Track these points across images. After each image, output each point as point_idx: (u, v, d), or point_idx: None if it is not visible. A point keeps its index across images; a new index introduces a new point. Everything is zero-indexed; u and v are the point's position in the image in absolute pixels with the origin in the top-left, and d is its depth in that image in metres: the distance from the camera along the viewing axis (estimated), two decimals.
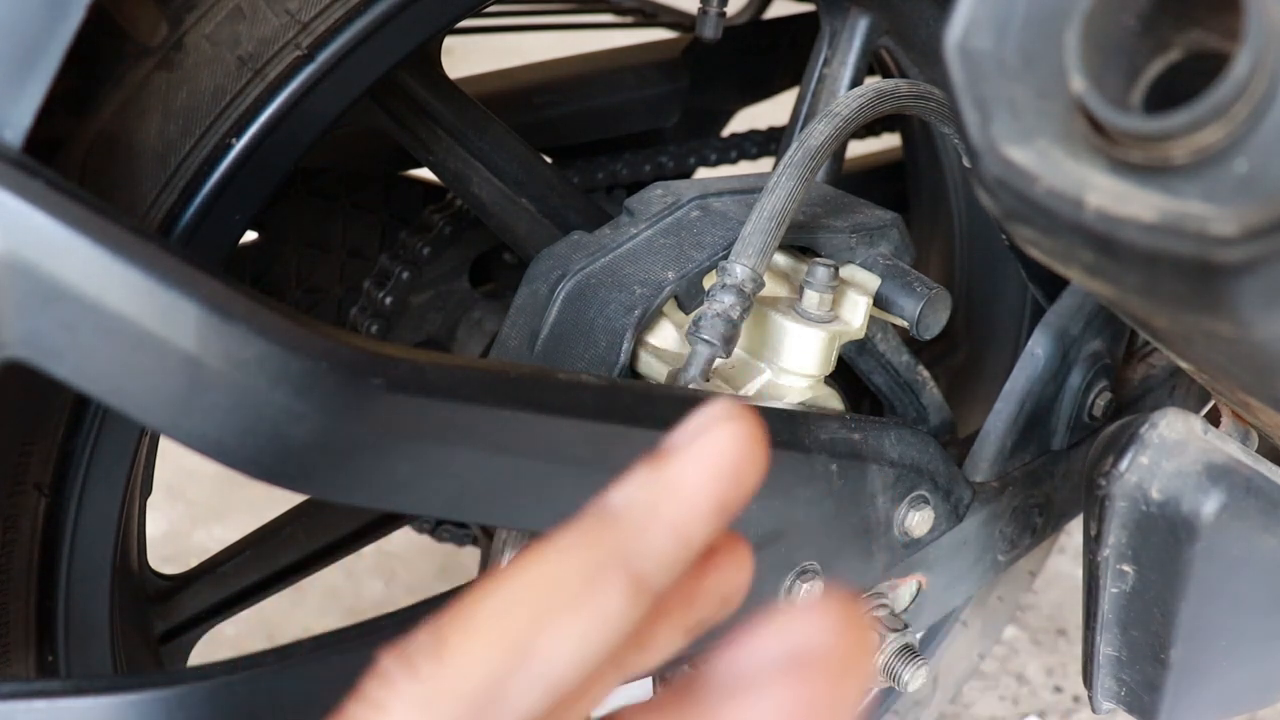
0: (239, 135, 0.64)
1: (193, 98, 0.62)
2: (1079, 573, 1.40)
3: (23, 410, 0.62)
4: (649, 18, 1.46)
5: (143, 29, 0.60)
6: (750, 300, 0.69)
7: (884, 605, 0.81)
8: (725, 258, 0.70)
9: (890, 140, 1.31)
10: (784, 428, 0.69)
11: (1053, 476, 0.92)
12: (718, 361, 0.69)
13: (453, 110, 0.85)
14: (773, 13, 1.32)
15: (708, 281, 0.75)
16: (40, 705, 0.46)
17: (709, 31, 0.97)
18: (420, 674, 0.27)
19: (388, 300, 1.03)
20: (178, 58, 0.61)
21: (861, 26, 0.92)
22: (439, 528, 1.17)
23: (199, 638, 0.97)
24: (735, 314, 0.68)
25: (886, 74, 1.09)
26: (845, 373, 0.86)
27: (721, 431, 0.30)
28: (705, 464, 0.30)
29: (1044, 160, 0.41)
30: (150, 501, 0.84)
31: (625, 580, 0.28)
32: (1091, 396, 0.90)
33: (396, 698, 0.27)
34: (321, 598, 1.62)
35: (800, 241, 0.77)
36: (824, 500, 0.72)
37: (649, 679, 0.76)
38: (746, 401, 0.34)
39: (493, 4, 0.79)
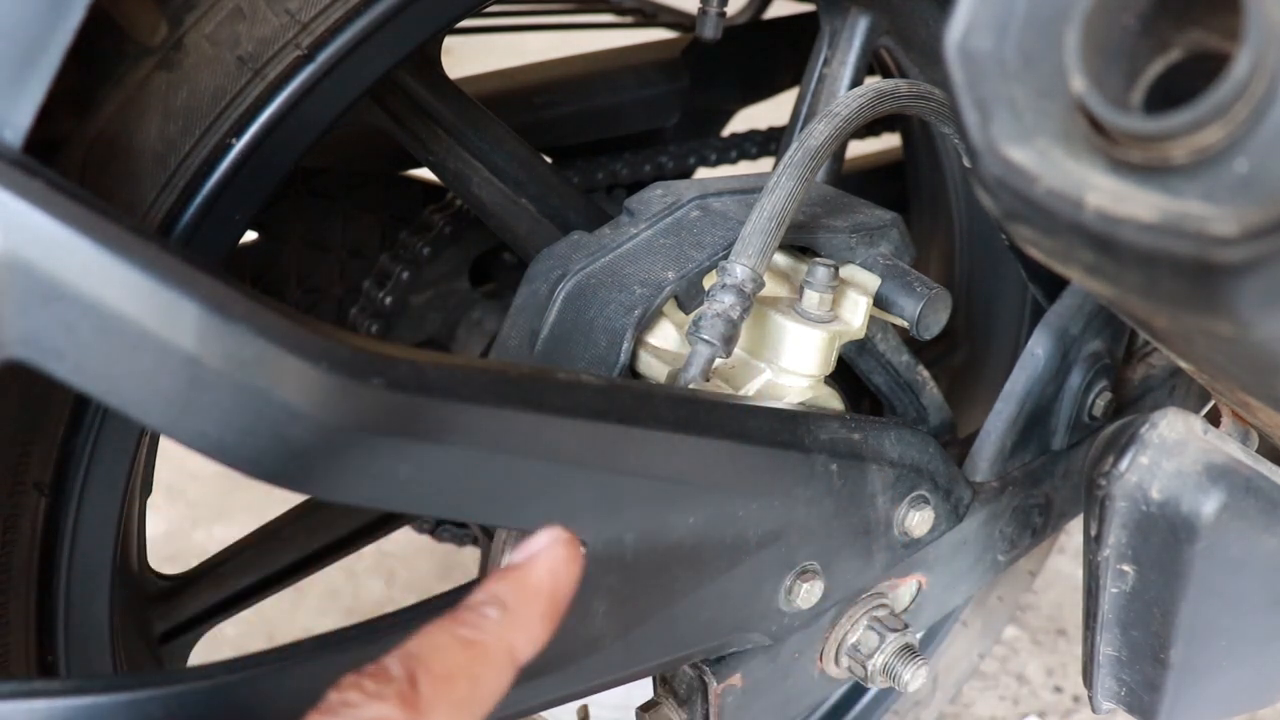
0: (239, 135, 0.64)
1: (193, 98, 0.62)
2: (1079, 573, 1.40)
3: (23, 410, 0.62)
4: (649, 18, 1.47)
5: (143, 29, 0.60)
6: (750, 300, 0.69)
7: (884, 605, 0.81)
8: (725, 258, 0.70)
9: (890, 140, 1.31)
10: (784, 428, 0.69)
11: (1053, 476, 0.92)
12: (718, 361, 0.69)
13: (453, 110, 0.85)
14: (773, 13, 1.32)
15: (708, 281, 0.75)
16: (40, 705, 0.46)
17: (709, 31, 0.97)
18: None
19: (388, 300, 1.03)
20: (178, 58, 0.61)
21: (861, 26, 0.92)
22: (439, 528, 1.17)
23: (199, 638, 0.97)
24: (735, 314, 0.68)
25: (886, 74, 1.09)
26: (845, 373, 0.86)
27: (556, 548, 0.46)
28: (546, 573, 0.45)
29: (1044, 160, 0.41)
30: (150, 501, 0.84)
31: (509, 662, 0.44)
32: (1091, 396, 0.90)
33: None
34: (321, 598, 1.62)
35: (800, 241, 0.77)
36: (824, 500, 0.72)
37: (649, 679, 0.76)
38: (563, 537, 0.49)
39: (493, 4, 0.79)
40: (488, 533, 0.90)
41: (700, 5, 0.97)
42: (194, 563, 0.99)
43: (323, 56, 0.65)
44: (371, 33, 0.66)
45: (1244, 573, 0.72)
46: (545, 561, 0.45)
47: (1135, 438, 0.71)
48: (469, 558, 1.66)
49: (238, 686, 0.50)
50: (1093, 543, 0.74)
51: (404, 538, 1.39)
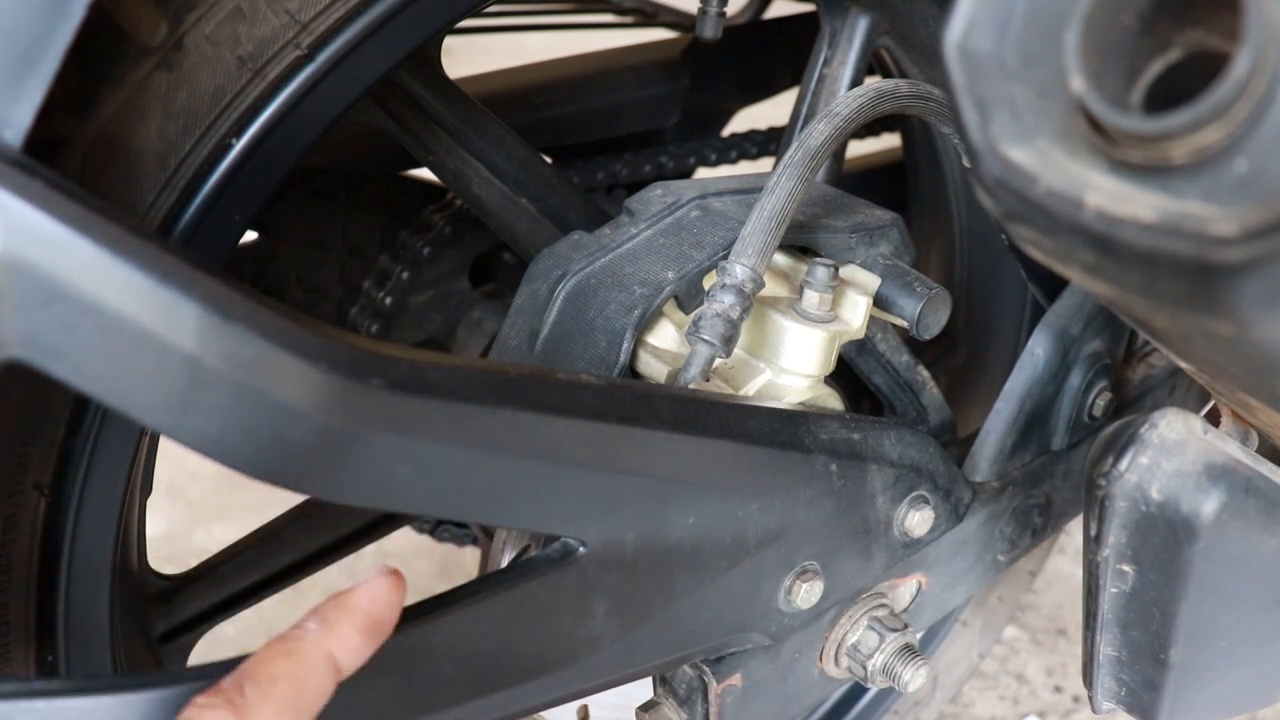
0: (239, 135, 0.64)
1: (193, 98, 0.62)
2: (1079, 573, 1.40)
3: (23, 410, 0.62)
4: (649, 18, 1.47)
5: (143, 29, 0.60)
6: (750, 300, 0.69)
7: (884, 605, 0.81)
8: (725, 258, 0.70)
9: (890, 140, 1.31)
10: (784, 428, 0.69)
11: (1053, 476, 0.92)
12: (718, 361, 0.69)
13: (453, 110, 0.85)
14: (773, 13, 1.32)
15: (708, 281, 0.75)
16: (40, 705, 0.46)
17: (709, 31, 0.97)
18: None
19: (388, 300, 1.03)
20: (178, 58, 0.61)
21: (861, 26, 0.92)
22: (439, 528, 1.17)
23: (199, 638, 0.97)
24: (735, 314, 0.68)
25: (886, 74, 1.09)
26: (845, 373, 0.86)
27: (376, 579, 0.52)
28: (364, 594, 0.52)
29: (1044, 160, 0.41)
30: (150, 501, 0.84)
31: (328, 667, 0.50)
32: (1091, 396, 0.90)
33: None
34: (321, 597, 1.62)
35: (800, 241, 0.77)
36: (824, 500, 0.72)
37: (649, 679, 0.76)
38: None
39: (493, 4, 0.79)
40: (488, 533, 0.90)
41: (700, 5, 0.97)
42: (194, 563, 0.99)
43: (323, 56, 0.65)
44: (371, 33, 0.66)
45: (1244, 573, 0.72)
46: (364, 587, 0.52)
47: (1135, 438, 0.71)
48: (469, 558, 1.66)
49: None
50: (1093, 543, 0.74)
51: (404, 538, 1.39)
